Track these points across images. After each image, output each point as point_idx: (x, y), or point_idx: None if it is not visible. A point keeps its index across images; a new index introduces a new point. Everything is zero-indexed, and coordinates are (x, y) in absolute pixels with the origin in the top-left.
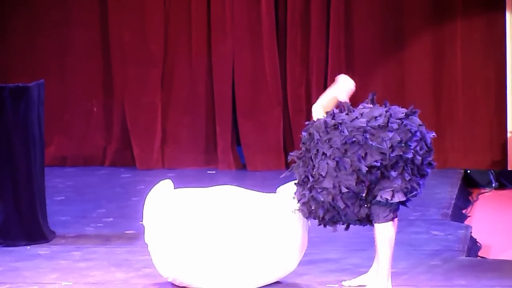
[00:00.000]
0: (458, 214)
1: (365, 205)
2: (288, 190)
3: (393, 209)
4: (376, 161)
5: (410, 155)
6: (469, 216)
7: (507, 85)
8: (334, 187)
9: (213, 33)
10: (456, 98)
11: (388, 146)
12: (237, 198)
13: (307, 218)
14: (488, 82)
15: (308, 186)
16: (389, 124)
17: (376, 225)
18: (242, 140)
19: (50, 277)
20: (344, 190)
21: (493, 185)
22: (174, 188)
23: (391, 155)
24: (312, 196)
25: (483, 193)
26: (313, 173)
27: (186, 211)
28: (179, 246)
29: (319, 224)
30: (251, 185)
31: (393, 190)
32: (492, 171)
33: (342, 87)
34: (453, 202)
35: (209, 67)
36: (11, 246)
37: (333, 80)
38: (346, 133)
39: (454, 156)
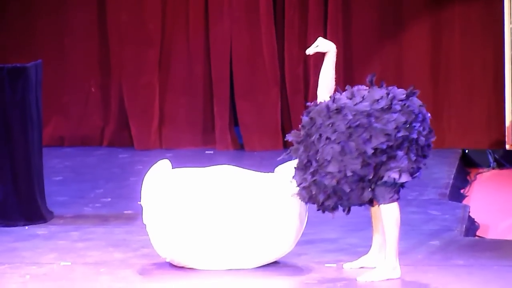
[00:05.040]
0: (456, 194)
1: (369, 188)
2: (286, 170)
3: (397, 190)
4: (382, 143)
5: (415, 136)
6: (467, 196)
7: (505, 65)
8: (339, 171)
9: (211, 13)
10: (454, 78)
11: (393, 127)
12: (235, 178)
13: (306, 203)
14: (486, 62)
15: (311, 170)
16: (392, 106)
17: (382, 206)
18: (239, 120)
19: (49, 257)
20: (349, 174)
21: (491, 164)
22: (172, 168)
23: (397, 135)
24: (314, 180)
25: (481, 173)
26: (317, 157)
27: (184, 191)
28: (177, 226)
29: (318, 209)
30: (249, 165)
31: (400, 170)
32: (490, 150)
33: (331, 55)
34: (451, 182)
35: (206, 47)
36: (10, 226)
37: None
38: (350, 116)
39: (452, 136)
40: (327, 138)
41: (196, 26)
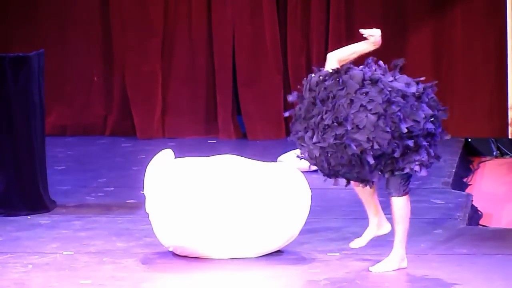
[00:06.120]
0: (459, 183)
1: (379, 171)
2: (289, 159)
3: (409, 182)
4: (412, 127)
5: (438, 130)
6: (470, 184)
7: (508, 53)
8: (368, 141)
9: (213, 2)
10: (456, 67)
11: (423, 116)
12: (237, 167)
13: (313, 164)
14: (488, 51)
15: (338, 132)
16: (423, 96)
17: (395, 199)
18: (242, 109)
19: (51, 247)
20: (376, 146)
21: (494, 153)
22: (175, 158)
23: (425, 126)
24: (336, 143)
25: (484, 161)
26: (348, 121)
27: (187, 180)
28: (180, 215)
29: (322, 172)
30: (251, 154)
31: (420, 164)
32: (493, 139)
33: (369, 47)
34: (453, 170)
35: (209, 36)
36: (12, 215)
37: (334, 49)
38: (387, 91)
39: (455, 124)
40: (362, 105)
41: (198, 14)
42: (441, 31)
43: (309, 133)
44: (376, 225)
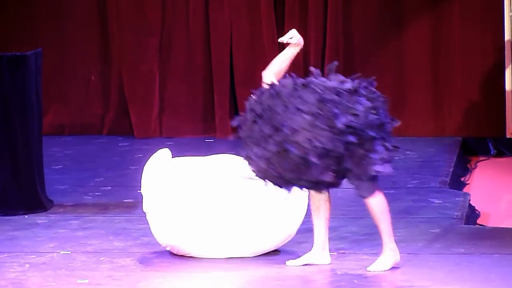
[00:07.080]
0: (457, 182)
1: (331, 171)
2: None
3: (377, 180)
4: (351, 121)
5: (384, 121)
6: (467, 183)
7: (505, 51)
8: (308, 141)
9: (211, 1)
10: (454, 66)
11: (362, 109)
12: (235, 166)
13: (264, 177)
14: (486, 50)
15: (278, 140)
16: (359, 90)
17: (370, 200)
18: (240, 109)
19: (48, 246)
20: (317, 144)
21: (492, 152)
22: (172, 157)
23: (368, 117)
24: (279, 151)
25: (481, 160)
26: (285, 125)
27: (184, 180)
28: (177, 214)
29: (275, 183)
30: None
31: (382, 161)
32: (490, 138)
33: (297, 49)
34: (451, 169)
35: (206, 35)
36: (9, 215)
37: (332, 48)
38: (319, 90)
39: (452, 123)
40: (297, 108)
41: (196, 13)
42: (439, 29)
43: (254, 149)
44: (319, 252)
